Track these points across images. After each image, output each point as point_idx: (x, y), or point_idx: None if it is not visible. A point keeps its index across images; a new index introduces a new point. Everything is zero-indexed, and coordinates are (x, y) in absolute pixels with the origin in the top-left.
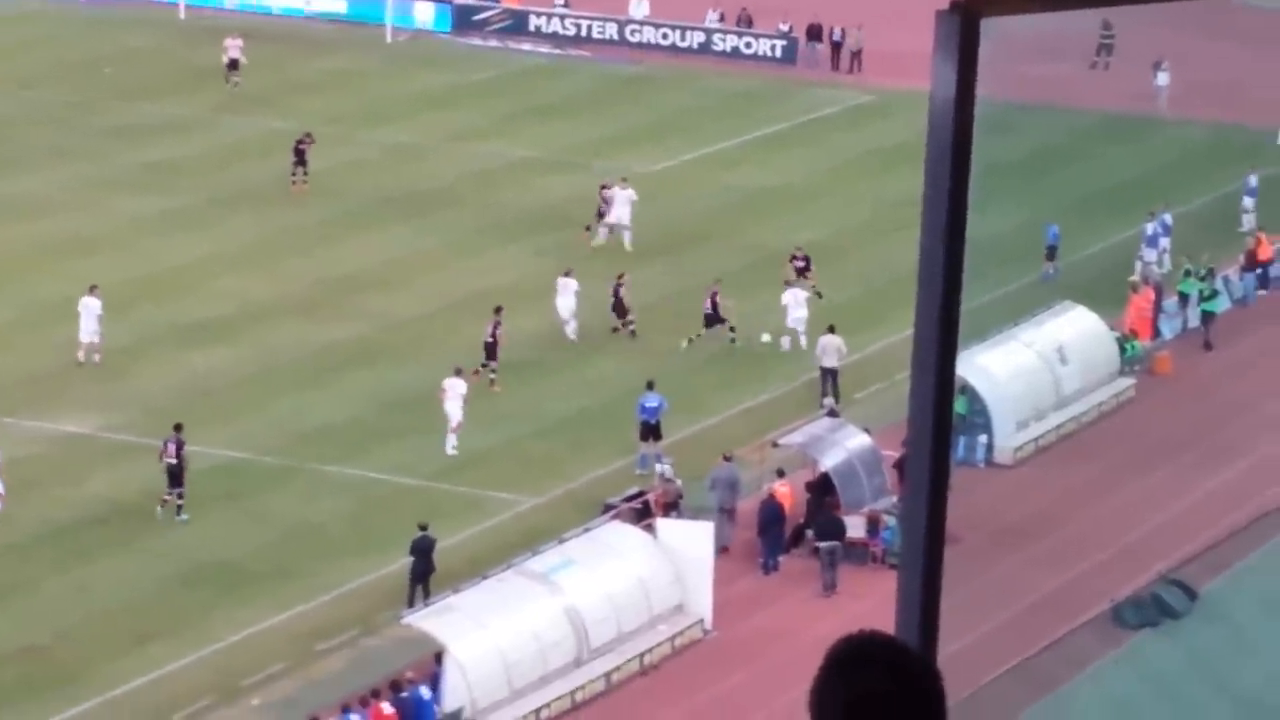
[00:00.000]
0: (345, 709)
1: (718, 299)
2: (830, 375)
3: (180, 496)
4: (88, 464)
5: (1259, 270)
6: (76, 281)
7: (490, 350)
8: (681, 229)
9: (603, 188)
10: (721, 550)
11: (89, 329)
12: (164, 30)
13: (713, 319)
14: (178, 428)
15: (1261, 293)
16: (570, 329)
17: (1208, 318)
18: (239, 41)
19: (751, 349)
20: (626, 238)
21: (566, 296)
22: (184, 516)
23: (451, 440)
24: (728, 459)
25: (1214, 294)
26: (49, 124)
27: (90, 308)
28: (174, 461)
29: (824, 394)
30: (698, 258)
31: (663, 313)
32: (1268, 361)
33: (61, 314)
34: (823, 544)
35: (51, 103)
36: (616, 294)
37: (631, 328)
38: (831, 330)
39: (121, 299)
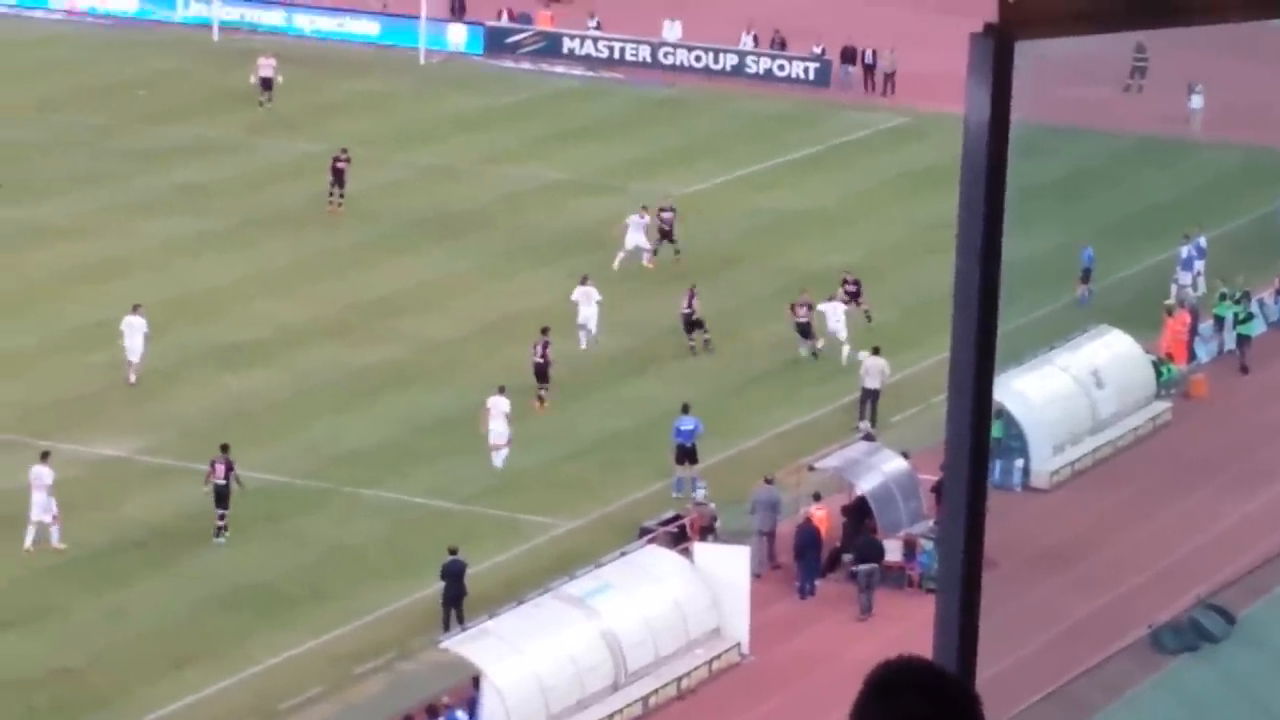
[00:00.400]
0: None
1: (694, 301)
2: (871, 397)
3: (223, 518)
4: (124, 487)
5: None
6: (109, 305)
7: (540, 371)
8: (714, 252)
9: (661, 210)
10: (760, 575)
11: (134, 348)
12: (196, 52)
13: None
14: (224, 448)
15: None
16: (586, 337)
17: (1243, 341)
18: (272, 61)
19: (776, 369)
20: (645, 258)
21: (589, 305)
22: (222, 540)
23: (501, 455)
24: (769, 481)
25: (1249, 317)
26: (78, 147)
27: (135, 326)
28: (223, 483)
29: (861, 416)
30: (730, 281)
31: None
32: None
33: (95, 337)
34: (861, 566)
35: (80, 126)
36: (690, 306)
37: (706, 338)
38: (876, 352)
39: (155, 322)
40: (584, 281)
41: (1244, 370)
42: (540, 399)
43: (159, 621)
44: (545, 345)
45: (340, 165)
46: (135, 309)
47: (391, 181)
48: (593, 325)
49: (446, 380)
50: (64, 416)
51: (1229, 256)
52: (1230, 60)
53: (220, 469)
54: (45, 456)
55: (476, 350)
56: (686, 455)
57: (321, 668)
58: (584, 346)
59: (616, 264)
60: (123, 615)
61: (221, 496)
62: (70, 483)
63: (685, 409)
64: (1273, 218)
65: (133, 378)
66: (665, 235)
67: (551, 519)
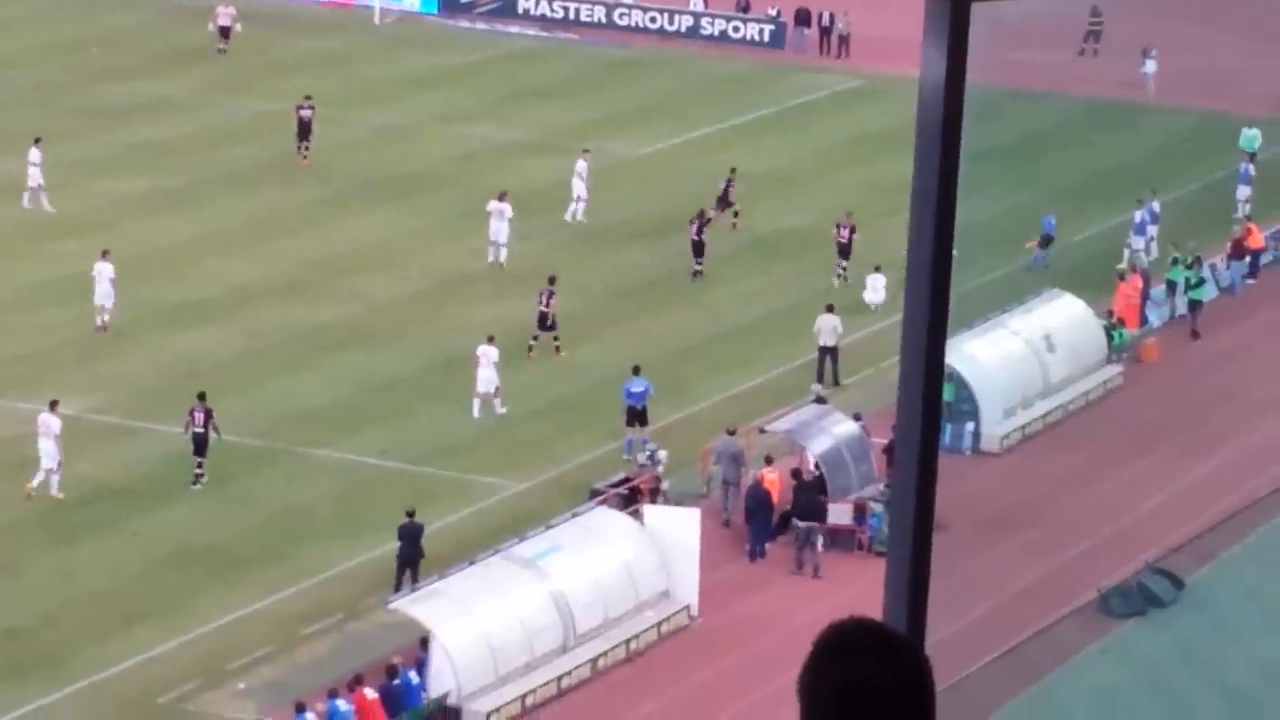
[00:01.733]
0: (332, 695)
1: (552, 300)
2: (829, 354)
3: (200, 466)
4: (74, 446)
5: (1248, 259)
6: (62, 263)
7: (544, 320)
8: (668, 213)
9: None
10: (725, 524)
11: (104, 293)
12: (150, 10)
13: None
14: (202, 396)
15: (1250, 281)
16: (500, 254)
17: (1195, 306)
18: (231, 9)
19: (729, 332)
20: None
21: (500, 221)
22: (199, 487)
23: (495, 404)
24: (731, 432)
25: (1200, 282)
26: (31, 105)
27: (104, 272)
28: (200, 431)
29: (820, 375)
30: (684, 243)
31: (650, 296)
32: (1254, 349)
33: (47, 295)
34: (800, 524)
35: (32, 83)
36: (548, 304)
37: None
38: (830, 309)
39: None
40: (501, 198)
41: (1195, 335)
42: (556, 348)
43: (108, 581)
44: (551, 295)
45: (305, 115)
46: (104, 254)
47: (346, 140)
48: (503, 239)
49: (399, 340)
50: (15, 374)
51: (1181, 221)
52: (1184, 25)
53: (199, 417)
54: (54, 405)
55: (430, 310)
56: (637, 417)
57: (270, 628)
58: (490, 260)
59: (569, 215)
60: (72, 574)
61: (200, 445)
62: (19, 440)
63: (636, 370)
64: (1224, 184)
65: (99, 321)
66: (723, 200)
67: (502, 480)
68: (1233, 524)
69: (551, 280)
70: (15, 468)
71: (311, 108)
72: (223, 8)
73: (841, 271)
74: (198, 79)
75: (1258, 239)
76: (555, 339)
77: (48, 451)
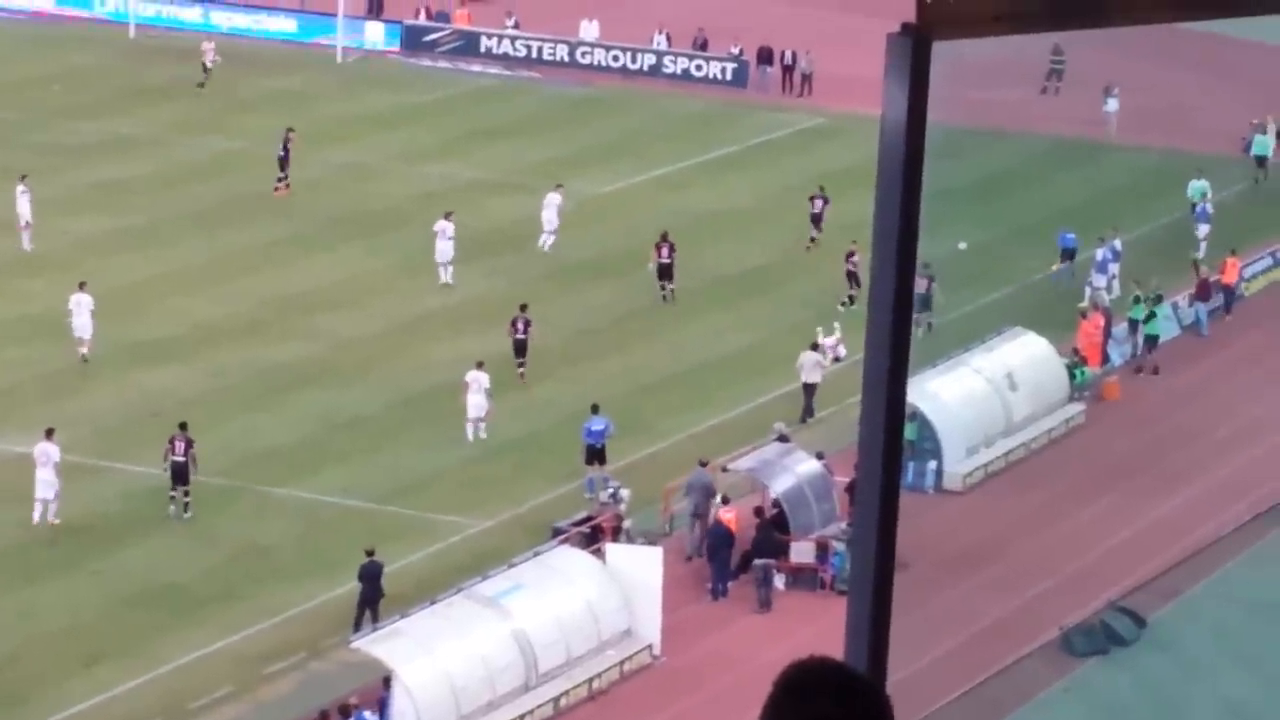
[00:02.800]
0: None
1: (529, 327)
2: (810, 390)
3: (186, 494)
4: (35, 484)
5: (1225, 291)
6: (23, 301)
7: (520, 347)
8: (630, 251)
9: (813, 197)
10: (690, 559)
11: (82, 324)
12: (112, 49)
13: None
14: (183, 426)
15: (1228, 317)
16: (548, 244)
17: (1150, 342)
18: (212, 45)
19: (689, 370)
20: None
21: (444, 241)
22: (189, 515)
23: (481, 427)
24: (703, 464)
25: (1152, 316)
26: None
27: (83, 304)
28: (181, 460)
29: (806, 411)
30: (646, 281)
31: (613, 334)
32: (1216, 387)
33: (7, 334)
34: (758, 561)
35: None
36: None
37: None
38: (814, 347)
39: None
40: (446, 217)
41: (1155, 371)
42: (521, 374)
43: (70, 620)
44: (527, 323)
45: (288, 145)
46: (81, 286)
47: (308, 179)
48: (447, 259)
49: (361, 378)
50: None
51: (1143, 259)
52: (1146, 64)
53: (180, 446)
54: (50, 433)
55: (392, 348)
56: (596, 456)
57: (232, 667)
58: (441, 281)
59: (542, 244)
60: (33, 614)
61: (179, 474)
62: None
63: (595, 409)
64: (1187, 221)
65: (83, 351)
66: (815, 221)
67: (464, 519)
68: (1196, 562)
69: (523, 308)
70: None
71: (291, 138)
72: (206, 43)
73: (848, 300)
74: (159, 118)
75: (1232, 274)
76: (521, 365)
77: (44, 480)
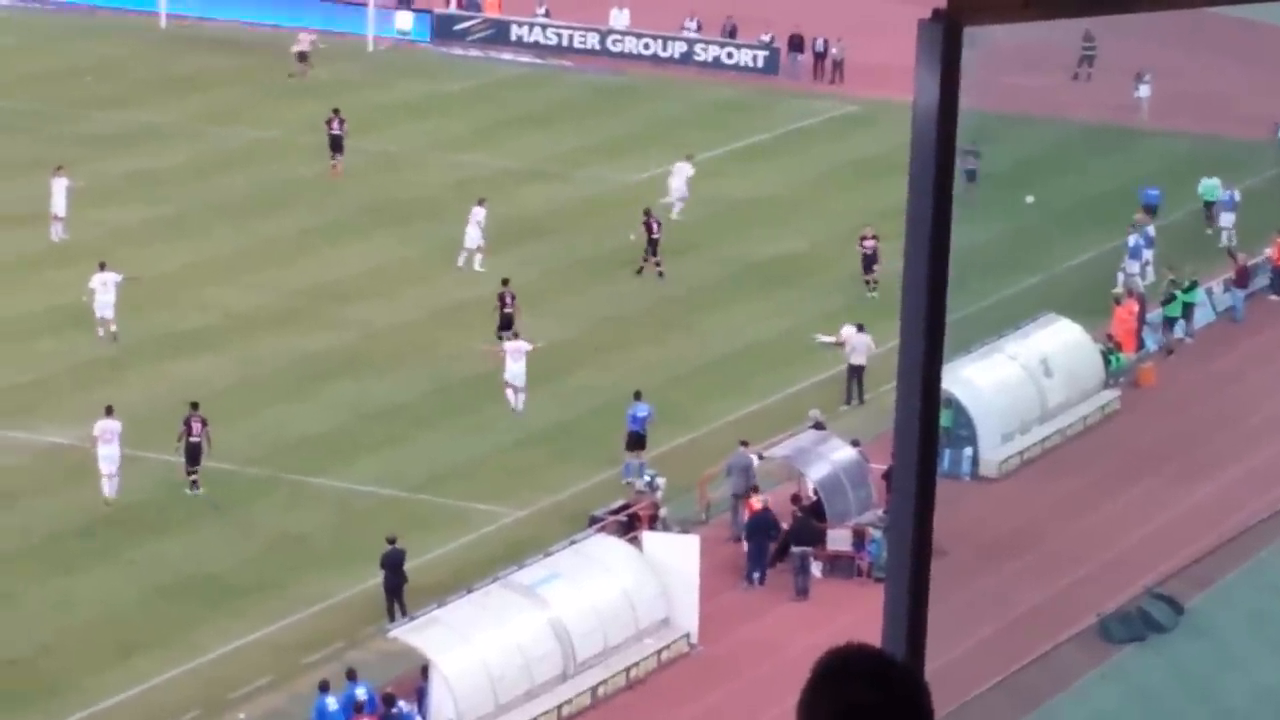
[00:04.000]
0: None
1: (515, 300)
2: (858, 373)
3: (195, 473)
4: (71, 475)
5: (1275, 272)
6: (56, 292)
7: (507, 321)
8: (663, 240)
9: (863, 239)
10: (736, 540)
11: (104, 303)
12: (143, 39)
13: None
14: (195, 406)
15: (1273, 297)
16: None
17: (1169, 322)
18: (311, 34)
19: (726, 357)
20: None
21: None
22: (199, 491)
23: (521, 399)
24: (744, 444)
25: (1171, 298)
26: (24, 133)
27: (109, 283)
28: (197, 440)
29: (849, 392)
30: (679, 269)
31: (647, 323)
32: (1252, 373)
33: (43, 324)
34: (795, 549)
35: (26, 113)
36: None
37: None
38: (861, 328)
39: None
40: (480, 203)
41: (1168, 352)
42: (486, 349)
43: (107, 610)
44: (513, 296)
45: (335, 132)
46: (102, 266)
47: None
48: (472, 244)
49: (394, 367)
50: (11, 403)
51: (1176, 246)
52: (1178, 49)
53: (196, 426)
54: (110, 411)
55: (424, 337)
56: (638, 442)
57: (270, 657)
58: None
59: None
60: (70, 604)
61: (194, 454)
62: (16, 469)
63: (638, 395)
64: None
65: (107, 331)
66: (869, 261)
67: (500, 508)
68: (1232, 548)
69: (505, 282)
70: (6, 499)
71: (342, 120)
72: (303, 33)
73: (872, 285)
74: (189, 108)
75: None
76: (511, 336)
77: (109, 457)
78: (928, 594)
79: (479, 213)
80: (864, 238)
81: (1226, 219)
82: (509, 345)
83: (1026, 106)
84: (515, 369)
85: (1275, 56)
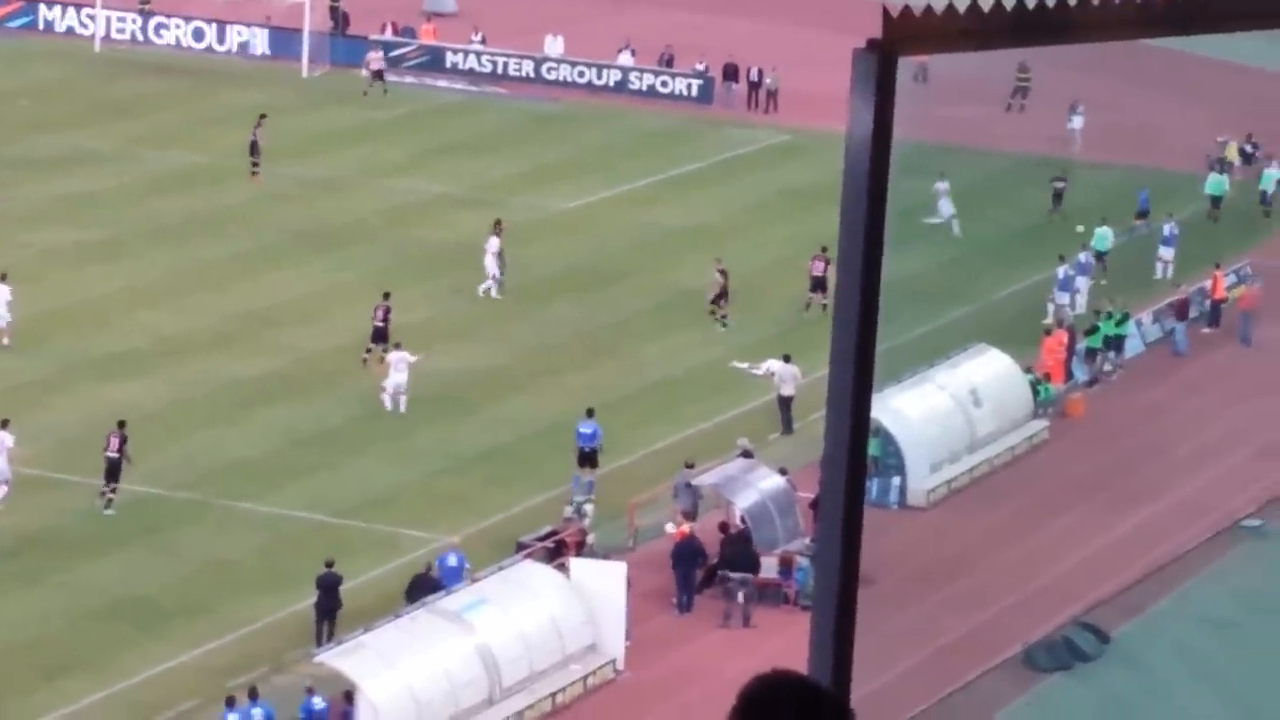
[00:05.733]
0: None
1: (389, 315)
2: (786, 402)
3: (114, 491)
4: None
5: (1209, 305)
6: None
7: (380, 334)
8: (596, 267)
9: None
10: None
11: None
12: (78, 63)
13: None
14: (121, 424)
15: (1206, 330)
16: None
17: (1090, 354)
18: (379, 53)
19: (655, 386)
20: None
21: (489, 256)
22: (111, 511)
23: (403, 400)
24: (689, 466)
25: (1094, 329)
26: None
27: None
28: (115, 455)
29: (785, 424)
30: (612, 296)
31: (575, 350)
32: (1181, 404)
33: None
34: (734, 575)
35: None
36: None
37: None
38: (787, 359)
39: (35, 332)
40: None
41: (1091, 383)
42: (381, 358)
43: (33, 633)
44: (387, 310)
45: (255, 138)
46: (3, 277)
47: (273, 193)
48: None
49: (326, 393)
50: None
51: (1108, 276)
52: (1111, 81)
53: (114, 442)
54: (4, 424)
55: (356, 363)
56: (587, 459)
57: (196, 680)
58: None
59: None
60: None
61: (112, 470)
62: None
63: (590, 413)
64: (1149, 238)
65: (5, 341)
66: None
67: (429, 533)
68: (1159, 578)
69: (386, 295)
70: None
71: (260, 125)
72: (373, 53)
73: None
74: (124, 131)
75: (1220, 289)
76: (384, 349)
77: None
78: (854, 622)
79: (494, 243)
80: (815, 258)
81: (1166, 252)
82: (393, 356)
83: (960, 137)
84: (398, 379)
85: (1208, 88)
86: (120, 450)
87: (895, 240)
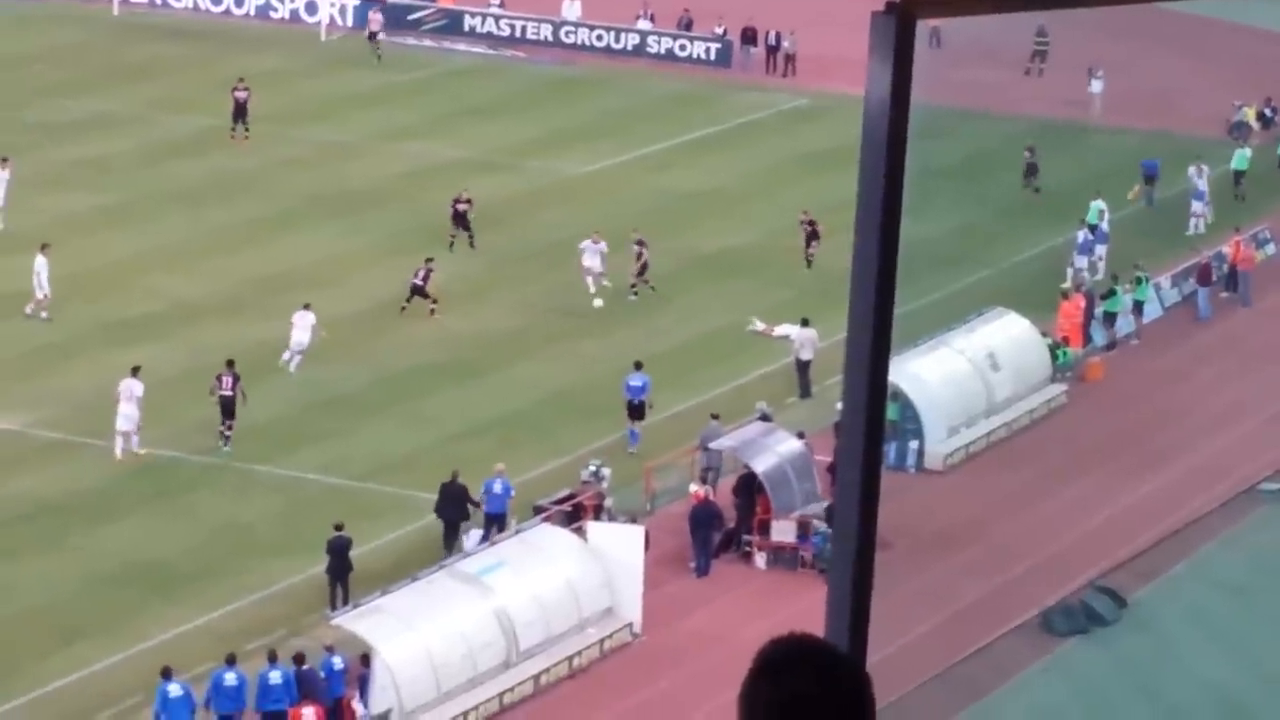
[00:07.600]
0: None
1: (430, 276)
2: (804, 367)
3: (230, 429)
4: (15, 461)
5: (1230, 271)
6: (3, 279)
7: (418, 291)
8: (613, 231)
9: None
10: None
11: (42, 284)
12: (95, 27)
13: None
14: (230, 363)
15: (1225, 295)
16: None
17: (1109, 318)
18: (378, 15)
19: (669, 351)
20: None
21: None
22: (229, 448)
23: (295, 362)
24: (715, 417)
25: (1111, 293)
26: None
27: (44, 265)
28: (229, 394)
29: (803, 389)
30: (630, 260)
31: (593, 315)
32: (1199, 370)
33: None
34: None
35: None
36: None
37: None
38: (805, 323)
39: (52, 296)
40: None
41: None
42: (431, 311)
43: (50, 596)
44: (429, 272)
45: (239, 96)
46: (43, 248)
47: (290, 158)
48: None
49: (342, 357)
50: None
51: (1127, 241)
52: (1130, 45)
53: (227, 381)
54: (135, 371)
55: (373, 327)
56: (635, 412)
57: (212, 644)
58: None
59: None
60: (12, 590)
61: (227, 408)
62: None
63: (638, 366)
64: (1172, 201)
65: (45, 314)
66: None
67: None
68: (1176, 542)
69: (429, 260)
70: None
71: (246, 89)
72: (372, 14)
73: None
74: (141, 95)
75: (1243, 253)
76: (434, 302)
77: (127, 414)
78: (871, 586)
79: (602, 245)
80: (802, 220)
81: (1199, 207)
82: (296, 315)
83: (979, 101)
84: (300, 338)
85: (1228, 53)
86: (234, 388)
87: (913, 204)
